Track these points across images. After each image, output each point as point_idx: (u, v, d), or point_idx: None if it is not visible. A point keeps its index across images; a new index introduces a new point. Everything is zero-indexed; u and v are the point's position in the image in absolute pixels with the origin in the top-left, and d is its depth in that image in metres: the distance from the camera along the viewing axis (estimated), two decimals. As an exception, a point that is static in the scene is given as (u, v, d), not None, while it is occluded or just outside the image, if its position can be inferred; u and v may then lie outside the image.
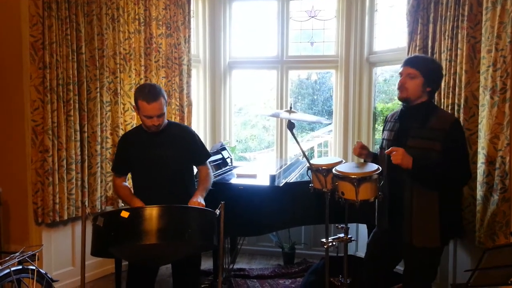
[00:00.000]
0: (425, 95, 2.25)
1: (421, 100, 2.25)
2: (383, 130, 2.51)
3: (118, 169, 2.58)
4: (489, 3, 2.63)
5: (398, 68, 2.32)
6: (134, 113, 3.72)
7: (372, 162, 2.44)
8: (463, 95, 2.85)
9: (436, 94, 3.11)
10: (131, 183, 2.61)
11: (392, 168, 2.19)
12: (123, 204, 3.68)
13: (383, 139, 2.45)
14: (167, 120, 2.55)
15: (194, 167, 2.71)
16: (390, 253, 2.39)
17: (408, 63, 2.26)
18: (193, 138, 2.62)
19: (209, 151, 2.78)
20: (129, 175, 2.63)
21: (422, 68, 2.21)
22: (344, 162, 2.44)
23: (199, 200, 2.39)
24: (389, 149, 2.16)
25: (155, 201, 2.25)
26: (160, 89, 2.43)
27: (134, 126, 3.65)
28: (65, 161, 3.22)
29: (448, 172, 2.13)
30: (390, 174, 2.28)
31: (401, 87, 2.24)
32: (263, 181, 3.16)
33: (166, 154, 2.46)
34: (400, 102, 2.35)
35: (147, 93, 2.35)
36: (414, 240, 2.19)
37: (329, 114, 5.65)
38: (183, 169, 2.56)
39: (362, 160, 2.59)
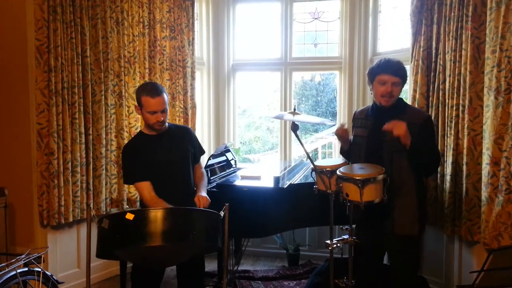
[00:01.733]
0: None
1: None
2: (353, 127, 2.61)
3: (138, 174, 2.43)
4: (493, 3, 2.62)
5: (383, 75, 2.37)
6: (139, 116, 3.72)
7: (347, 151, 2.59)
8: (467, 95, 2.84)
9: (440, 95, 3.11)
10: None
11: (370, 160, 2.35)
12: (128, 206, 3.69)
13: (355, 135, 2.56)
14: (167, 123, 2.56)
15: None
16: (374, 249, 2.50)
17: (393, 72, 2.35)
18: (193, 137, 2.69)
19: (203, 148, 2.80)
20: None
21: (402, 75, 2.37)
22: (348, 164, 2.44)
23: (204, 194, 2.46)
24: (390, 122, 2.25)
25: (173, 204, 2.28)
26: (162, 86, 2.47)
27: (139, 128, 3.66)
28: (70, 163, 3.24)
29: (427, 154, 2.32)
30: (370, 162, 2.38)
31: (391, 95, 2.36)
32: (267, 182, 3.15)
33: (172, 157, 2.48)
34: None
35: (150, 89, 2.39)
36: (396, 229, 2.34)
37: (333, 115, 5.65)
38: (187, 168, 2.58)
39: (339, 150, 2.71)
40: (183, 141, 2.57)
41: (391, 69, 2.35)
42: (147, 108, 2.39)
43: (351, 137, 2.61)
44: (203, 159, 2.87)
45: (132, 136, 3.38)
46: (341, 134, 2.55)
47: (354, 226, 2.35)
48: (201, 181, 2.63)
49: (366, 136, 2.47)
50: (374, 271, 2.54)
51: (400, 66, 2.39)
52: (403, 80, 2.38)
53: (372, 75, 2.42)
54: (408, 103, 3.18)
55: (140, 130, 2.58)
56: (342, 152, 2.70)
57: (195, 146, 2.66)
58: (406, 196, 2.34)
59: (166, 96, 2.43)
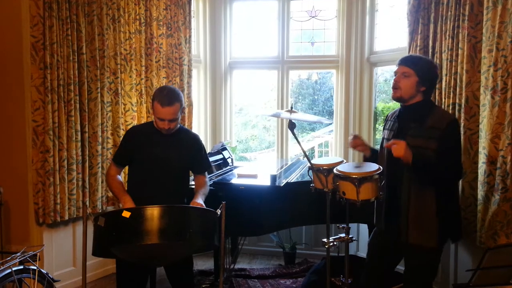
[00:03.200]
0: (419, 94, 2.23)
1: (416, 100, 2.24)
2: (383, 129, 2.51)
3: (119, 159, 2.56)
4: (490, 2, 2.63)
5: (395, 67, 2.32)
6: (135, 114, 3.72)
7: (371, 157, 2.45)
8: (464, 95, 2.85)
9: (437, 94, 3.11)
10: (126, 176, 2.62)
11: (391, 165, 2.20)
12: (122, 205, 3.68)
13: (383, 138, 2.45)
14: (180, 124, 2.55)
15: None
16: (390, 253, 2.38)
17: (403, 62, 2.25)
18: (199, 147, 2.63)
19: (210, 163, 2.77)
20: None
21: (416, 67, 2.21)
22: (345, 162, 2.44)
23: (200, 201, 2.41)
24: (390, 141, 2.15)
25: (149, 199, 2.28)
26: (179, 94, 2.42)
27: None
28: (66, 161, 3.22)
29: (443, 168, 2.12)
30: (388, 171, 2.28)
31: (395, 86, 2.25)
32: (264, 181, 3.15)
33: (170, 156, 2.47)
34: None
35: (164, 96, 2.35)
36: (410, 238, 2.19)
37: (330, 114, 5.65)
38: (181, 173, 2.57)
39: (362, 159, 2.59)
40: (186, 146, 2.55)
41: (403, 59, 2.26)
42: (156, 114, 2.39)
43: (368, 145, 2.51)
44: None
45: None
46: (354, 145, 2.47)
47: (350, 224, 2.35)
48: (201, 188, 2.57)
49: (390, 139, 2.31)
50: (382, 274, 2.45)
51: (414, 57, 2.29)
52: (417, 72, 2.19)
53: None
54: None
55: (152, 121, 2.55)
56: (365, 159, 2.54)
57: (199, 156, 2.61)
58: (424, 205, 2.18)
59: (180, 106, 2.39)
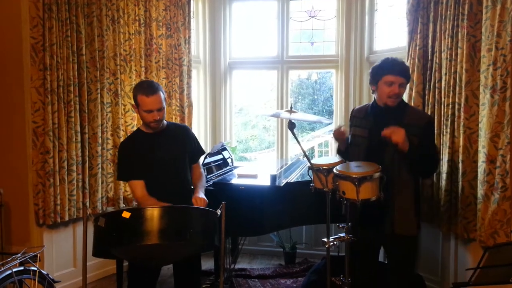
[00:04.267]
0: None
1: None
2: (351, 126, 2.60)
3: (131, 173, 2.44)
4: (489, 2, 2.63)
5: (390, 76, 2.35)
6: (135, 114, 3.72)
7: (345, 150, 2.59)
8: (463, 94, 2.85)
9: (436, 93, 3.12)
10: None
11: (371, 160, 2.31)
12: (124, 205, 3.68)
13: (354, 135, 2.54)
14: (166, 121, 2.55)
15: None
16: (373, 245, 2.52)
17: (400, 73, 2.34)
18: (192, 136, 2.66)
19: (202, 148, 2.78)
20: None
21: (408, 76, 2.39)
22: (345, 162, 2.44)
23: (201, 195, 2.43)
24: (389, 128, 2.23)
25: (160, 200, 2.30)
26: (158, 84, 2.45)
27: (135, 126, 3.65)
28: (66, 162, 3.23)
29: (429, 157, 2.35)
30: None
31: (397, 96, 2.35)
32: (264, 181, 3.16)
33: (169, 156, 2.47)
34: None
35: (146, 87, 2.37)
36: (396, 229, 2.34)
37: (330, 113, 5.66)
38: (184, 167, 2.58)
39: (336, 151, 2.72)
40: (180, 140, 2.56)
41: (398, 70, 2.33)
42: (143, 107, 2.37)
43: (348, 136, 2.60)
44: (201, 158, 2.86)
45: (129, 134, 3.36)
46: (338, 136, 2.55)
47: (350, 224, 2.36)
48: (199, 181, 2.60)
49: (366, 137, 2.45)
50: (371, 269, 2.55)
51: (405, 66, 2.39)
52: (408, 81, 2.39)
53: (378, 75, 2.37)
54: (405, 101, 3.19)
55: (138, 128, 2.57)
56: (339, 152, 2.68)
57: (193, 145, 2.64)
58: (406, 197, 2.35)
59: (162, 94, 2.41)
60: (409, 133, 2.26)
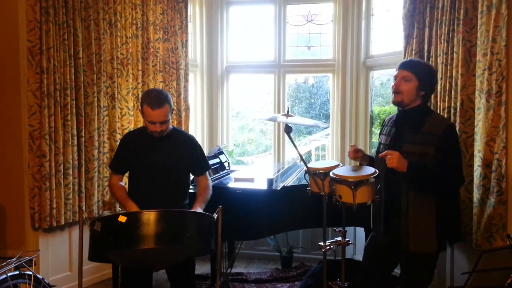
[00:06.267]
0: (419, 98, 2.23)
1: (415, 104, 2.24)
2: (380, 134, 2.51)
3: (117, 167, 2.57)
4: (484, 7, 2.65)
5: (395, 71, 2.32)
6: (132, 118, 3.72)
7: (368, 165, 2.43)
8: (459, 98, 2.87)
9: (432, 97, 3.12)
10: (127, 183, 2.62)
11: (389, 171, 2.17)
12: (120, 209, 3.67)
13: (379, 143, 2.44)
14: (172, 126, 2.55)
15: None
16: (387, 257, 2.38)
17: (403, 66, 2.26)
18: (195, 148, 2.62)
19: (209, 163, 2.77)
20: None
21: (417, 71, 2.21)
22: (342, 166, 2.45)
23: (198, 210, 2.41)
24: (384, 152, 2.17)
25: (151, 204, 2.28)
26: (167, 96, 2.42)
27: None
28: (62, 166, 3.21)
29: (441, 176, 2.12)
30: (387, 178, 2.28)
31: (396, 90, 2.24)
32: (261, 185, 3.16)
33: (167, 160, 2.46)
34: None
35: (153, 98, 2.35)
36: (411, 246, 2.19)
37: (326, 117, 5.66)
38: (182, 175, 2.57)
39: (358, 163, 2.60)
40: (183, 148, 2.54)
41: (403, 63, 2.27)
42: (147, 117, 2.38)
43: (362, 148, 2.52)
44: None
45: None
46: (353, 156, 2.47)
47: (346, 228, 2.35)
48: (201, 194, 2.56)
49: (387, 144, 2.33)
50: (378, 277, 2.44)
51: (414, 61, 2.29)
52: (417, 75, 2.19)
53: None
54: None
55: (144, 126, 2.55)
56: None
57: (196, 157, 2.60)
58: (423, 212, 2.18)
59: (169, 107, 2.38)
60: (425, 143, 2.14)
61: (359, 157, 2.48)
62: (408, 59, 2.32)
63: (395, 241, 2.26)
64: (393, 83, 2.28)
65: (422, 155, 2.14)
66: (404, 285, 2.31)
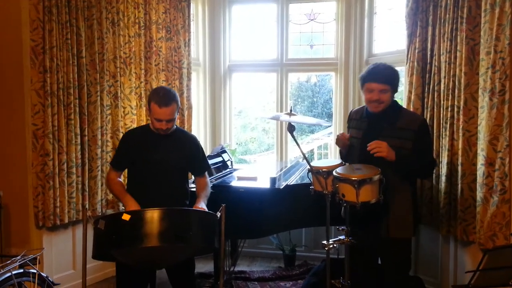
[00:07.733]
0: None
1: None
2: (348, 127, 2.66)
3: (117, 164, 2.58)
4: (488, 5, 2.64)
5: (369, 82, 2.41)
6: (135, 117, 3.72)
7: (346, 155, 2.63)
8: (462, 97, 2.86)
9: (435, 96, 3.12)
10: (126, 178, 2.64)
11: (368, 161, 2.32)
12: (123, 208, 3.68)
13: (350, 137, 2.59)
14: (176, 125, 2.56)
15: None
16: (369, 248, 2.51)
17: (379, 80, 2.37)
18: (197, 148, 2.63)
19: (209, 163, 2.79)
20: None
21: (391, 82, 2.38)
22: (344, 164, 2.45)
23: (202, 205, 2.43)
24: (371, 143, 2.27)
25: (149, 200, 2.30)
26: (175, 94, 2.44)
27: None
28: (65, 164, 3.23)
29: (423, 162, 2.38)
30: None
31: (378, 102, 2.38)
32: (264, 183, 3.16)
33: (168, 158, 2.47)
34: None
35: (161, 96, 2.37)
36: (390, 233, 2.36)
37: (329, 116, 5.66)
38: (181, 174, 2.58)
39: (338, 155, 2.78)
40: (184, 147, 2.55)
41: (378, 78, 2.37)
42: (153, 114, 2.39)
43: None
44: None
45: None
46: (341, 139, 2.59)
47: (350, 227, 2.36)
48: (202, 191, 2.58)
49: (360, 138, 2.49)
50: (372, 272, 2.56)
51: (387, 73, 2.39)
52: (393, 86, 2.39)
53: (362, 82, 2.46)
54: (403, 104, 3.23)
55: (148, 123, 2.57)
56: (341, 155, 2.73)
57: (198, 157, 2.62)
58: (401, 200, 2.37)
59: (176, 106, 2.41)
60: (403, 137, 2.31)
61: (346, 145, 2.60)
62: (379, 70, 2.38)
63: (374, 231, 2.40)
64: (369, 94, 2.39)
65: (398, 148, 2.30)
66: (390, 272, 2.44)
